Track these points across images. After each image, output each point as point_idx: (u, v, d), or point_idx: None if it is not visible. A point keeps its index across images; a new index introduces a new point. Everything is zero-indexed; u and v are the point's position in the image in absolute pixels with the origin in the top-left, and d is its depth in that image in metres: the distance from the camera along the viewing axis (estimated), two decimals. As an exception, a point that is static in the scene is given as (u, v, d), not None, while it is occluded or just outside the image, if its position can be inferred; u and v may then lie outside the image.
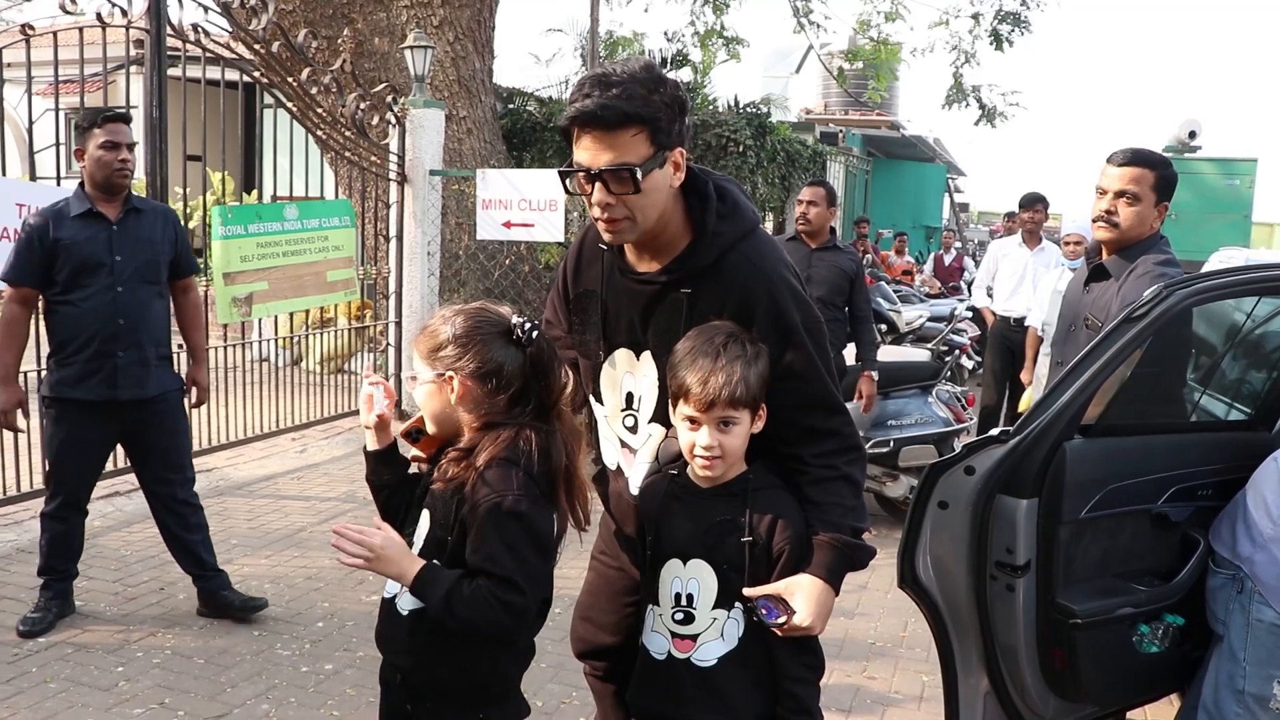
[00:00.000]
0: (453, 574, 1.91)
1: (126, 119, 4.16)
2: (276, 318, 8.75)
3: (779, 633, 1.97)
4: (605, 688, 2.46)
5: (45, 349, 4.28)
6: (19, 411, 4.18)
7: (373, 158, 8.01)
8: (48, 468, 4.25)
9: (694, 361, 1.99)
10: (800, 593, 1.98)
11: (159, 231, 4.26)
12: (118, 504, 5.79)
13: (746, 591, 1.99)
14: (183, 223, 4.52)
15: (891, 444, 5.96)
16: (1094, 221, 3.42)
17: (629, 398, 2.22)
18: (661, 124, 1.94)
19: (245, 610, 4.38)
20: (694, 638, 2.06)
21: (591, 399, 2.34)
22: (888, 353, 6.57)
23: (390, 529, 1.96)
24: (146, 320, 4.19)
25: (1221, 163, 16.83)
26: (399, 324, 8.42)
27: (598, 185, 1.95)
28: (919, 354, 6.88)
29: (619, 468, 2.30)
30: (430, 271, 8.40)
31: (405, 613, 2.02)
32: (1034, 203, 7.96)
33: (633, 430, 2.23)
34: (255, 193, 10.87)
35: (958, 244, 16.16)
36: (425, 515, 2.06)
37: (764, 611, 1.96)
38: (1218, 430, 3.09)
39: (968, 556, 2.49)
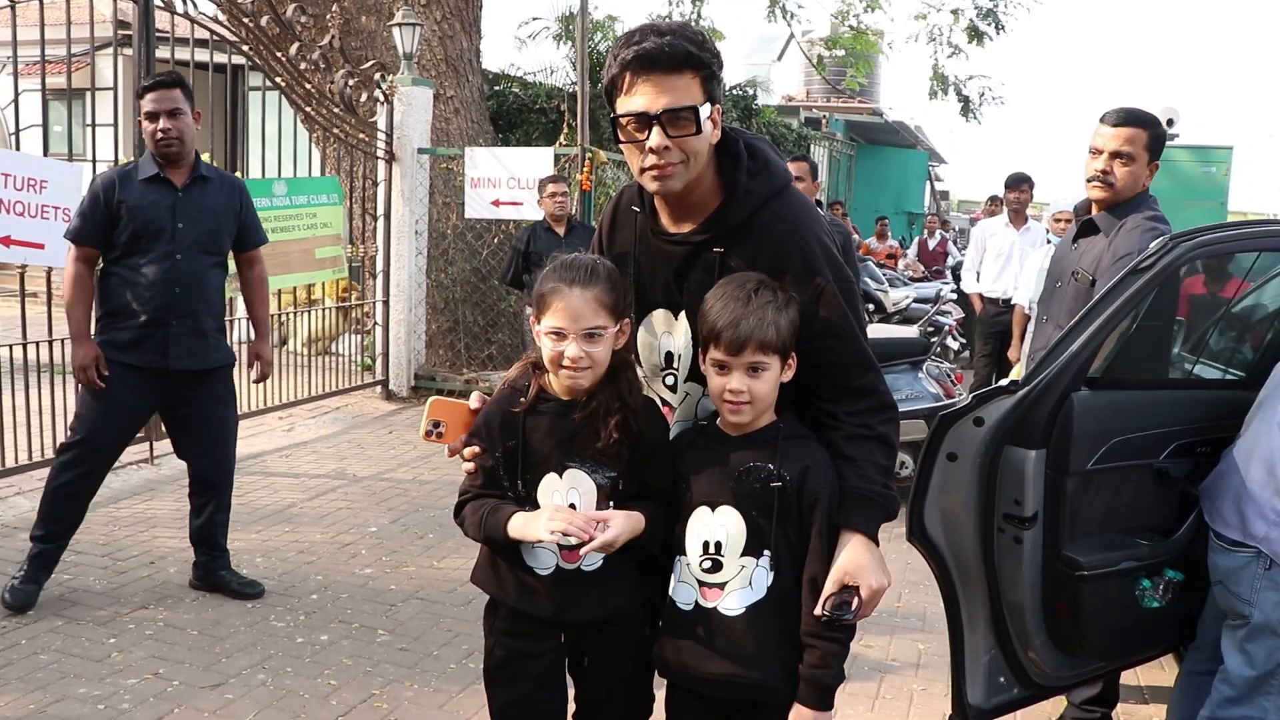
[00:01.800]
0: (649, 509, 2.09)
1: (169, 83, 4.04)
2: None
3: (859, 615, 1.96)
4: None
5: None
6: (96, 365, 4.05)
7: (360, 135, 7.96)
8: (72, 424, 4.17)
9: (724, 306, 1.99)
10: (852, 565, 1.97)
11: (224, 201, 4.19)
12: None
13: (816, 613, 1.97)
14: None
15: (882, 419, 5.97)
16: (1088, 181, 3.43)
17: (668, 357, 2.23)
18: (714, 72, 1.96)
19: (240, 594, 4.33)
20: (722, 586, 2.04)
21: None
22: (876, 330, 6.58)
23: (612, 513, 2.06)
24: (203, 290, 4.12)
25: (1198, 150, 16.92)
26: (386, 303, 8.38)
27: (654, 130, 1.93)
28: (908, 331, 6.90)
29: None
30: (418, 250, 8.37)
31: (593, 569, 2.11)
32: (1020, 183, 8.02)
33: (673, 389, 2.24)
34: (240, 176, 10.78)
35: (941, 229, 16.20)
36: (575, 474, 2.09)
37: (844, 610, 1.94)
38: (1216, 388, 3.10)
39: (976, 508, 2.50)
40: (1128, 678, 3.71)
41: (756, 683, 2.03)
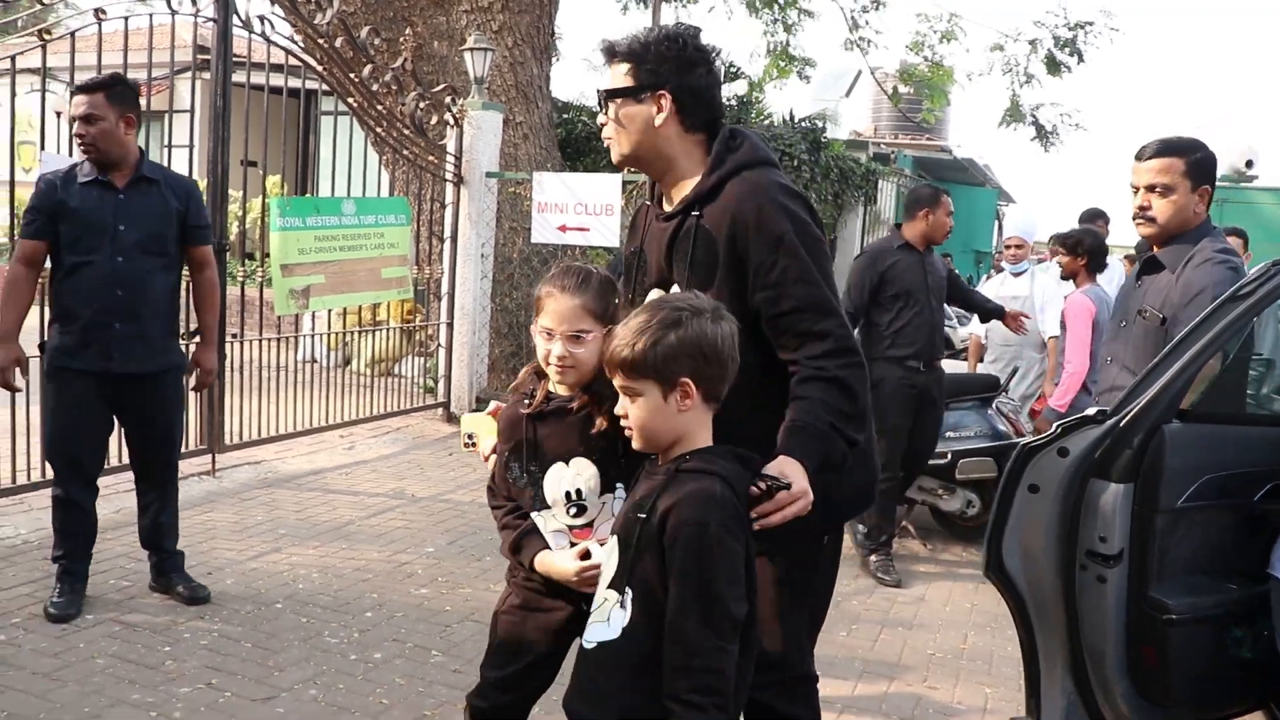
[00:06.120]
0: None
1: (92, 88, 3.98)
2: (330, 314, 8.79)
3: (780, 506, 1.91)
4: None
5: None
6: (17, 369, 4.04)
7: (430, 157, 8.02)
8: (47, 442, 4.15)
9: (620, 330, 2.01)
10: (785, 465, 2.00)
11: (170, 202, 4.13)
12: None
13: (750, 490, 1.92)
14: (201, 195, 4.39)
15: (949, 456, 5.77)
16: (1133, 219, 3.36)
17: None
18: (647, 63, 2.23)
19: (187, 598, 4.29)
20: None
21: None
22: (945, 366, 6.43)
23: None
24: (146, 293, 4.07)
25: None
26: (450, 325, 8.41)
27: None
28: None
29: None
30: (484, 274, 8.39)
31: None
32: (1095, 218, 7.83)
33: None
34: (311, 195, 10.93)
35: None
36: (580, 461, 2.27)
37: (776, 482, 1.92)
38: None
39: (1057, 544, 2.38)
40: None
41: None
